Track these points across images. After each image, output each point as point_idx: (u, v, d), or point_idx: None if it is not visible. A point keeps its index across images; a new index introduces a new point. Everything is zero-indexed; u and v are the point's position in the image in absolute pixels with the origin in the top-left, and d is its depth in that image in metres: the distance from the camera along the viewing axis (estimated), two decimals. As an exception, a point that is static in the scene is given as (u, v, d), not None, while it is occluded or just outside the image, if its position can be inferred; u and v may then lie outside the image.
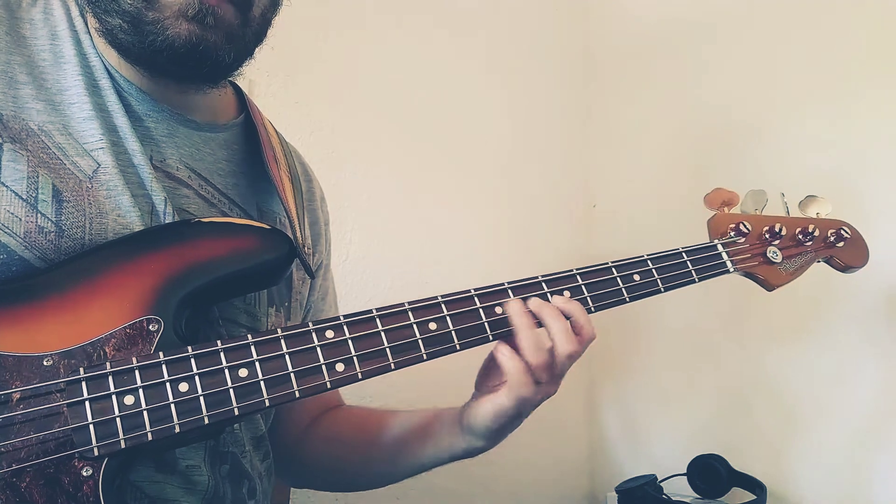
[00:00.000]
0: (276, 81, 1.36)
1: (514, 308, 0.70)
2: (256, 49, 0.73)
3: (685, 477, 1.48)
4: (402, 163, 1.55)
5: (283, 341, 0.62)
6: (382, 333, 0.66)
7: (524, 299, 0.71)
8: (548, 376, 0.70)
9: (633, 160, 1.82)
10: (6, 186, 0.60)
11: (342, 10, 1.47)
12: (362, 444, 0.87)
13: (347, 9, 1.49)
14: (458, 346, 0.68)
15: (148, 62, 0.68)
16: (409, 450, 0.82)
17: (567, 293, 0.74)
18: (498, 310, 0.71)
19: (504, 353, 0.69)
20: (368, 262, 1.46)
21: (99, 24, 0.67)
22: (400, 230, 1.53)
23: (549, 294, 0.73)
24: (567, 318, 0.72)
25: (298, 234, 0.78)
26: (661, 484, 1.51)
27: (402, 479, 0.86)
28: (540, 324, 0.71)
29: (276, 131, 0.87)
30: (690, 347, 1.66)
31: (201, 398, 0.57)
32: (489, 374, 0.74)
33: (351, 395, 0.95)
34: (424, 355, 0.67)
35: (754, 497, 1.36)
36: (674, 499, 1.43)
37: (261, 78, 1.32)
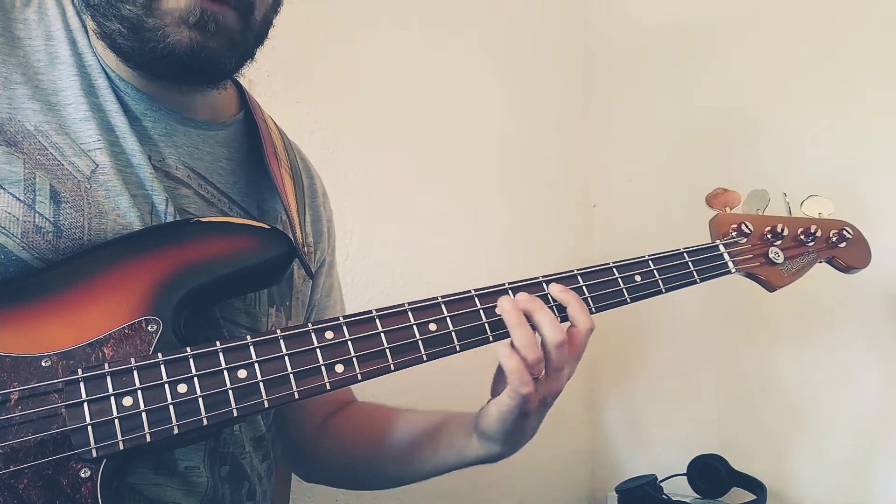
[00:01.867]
0: (276, 81, 1.35)
1: (504, 305, 0.69)
2: (257, 50, 0.73)
3: (685, 477, 1.48)
4: (403, 162, 1.55)
5: (282, 342, 0.62)
6: (382, 334, 0.65)
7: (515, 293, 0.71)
8: (546, 370, 0.69)
9: (633, 160, 1.81)
10: (2, 188, 0.60)
11: (342, 10, 1.47)
12: (370, 443, 0.86)
13: (347, 9, 1.48)
14: (458, 347, 0.68)
15: (148, 67, 0.68)
16: (419, 451, 0.81)
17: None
18: (497, 310, 0.70)
19: (502, 352, 0.68)
20: (368, 262, 1.45)
21: (98, 28, 0.67)
22: (400, 230, 1.53)
23: (544, 284, 0.73)
24: (564, 307, 0.71)
25: (299, 233, 0.77)
26: (661, 484, 1.50)
27: (413, 482, 0.84)
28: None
29: (277, 127, 0.87)
30: (691, 348, 1.66)
31: (200, 399, 0.57)
32: (500, 378, 0.73)
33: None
34: (424, 356, 0.66)
35: (754, 497, 1.36)
36: (674, 499, 1.42)
37: (261, 78, 1.31)
